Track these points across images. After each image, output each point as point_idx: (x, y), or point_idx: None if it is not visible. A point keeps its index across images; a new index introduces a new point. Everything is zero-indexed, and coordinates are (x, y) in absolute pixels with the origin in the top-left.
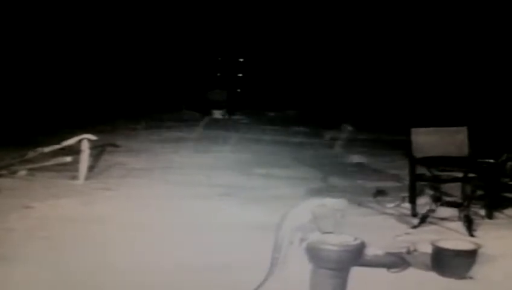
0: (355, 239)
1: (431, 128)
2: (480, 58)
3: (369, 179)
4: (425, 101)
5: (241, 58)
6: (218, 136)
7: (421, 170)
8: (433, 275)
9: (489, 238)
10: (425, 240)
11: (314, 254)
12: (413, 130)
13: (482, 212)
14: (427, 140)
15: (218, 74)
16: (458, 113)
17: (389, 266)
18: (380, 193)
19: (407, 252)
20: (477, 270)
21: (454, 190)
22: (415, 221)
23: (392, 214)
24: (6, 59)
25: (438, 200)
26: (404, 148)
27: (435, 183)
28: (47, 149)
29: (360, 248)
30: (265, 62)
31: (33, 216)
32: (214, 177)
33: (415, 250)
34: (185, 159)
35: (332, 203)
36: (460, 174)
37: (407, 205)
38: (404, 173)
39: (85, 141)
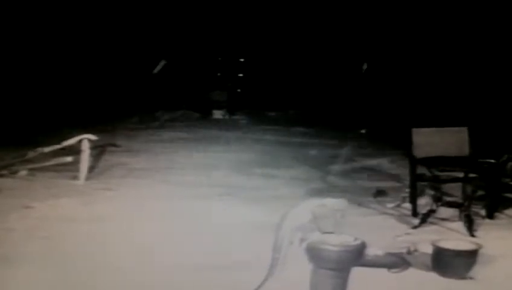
0: (356, 239)
1: (432, 129)
2: (481, 58)
3: (369, 179)
4: (426, 101)
5: (242, 58)
6: (219, 136)
7: (421, 170)
8: (433, 276)
9: (490, 238)
10: (425, 240)
11: (314, 254)
12: (414, 130)
13: (483, 212)
14: (428, 140)
15: (219, 74)
16: (459, 113)
17: (389, 266)
18: (380, 193)
19: (407, 253)
20: (477, 270)
21: (454, 190)
22: (416, 221)
23: (392, 214)
24: (6, 59)
25: (438, 200)
26: (405, 148)
27: (436, 183)
28: (47, 149)
29: (361, 248)
30: (266, 62)
31: (33, 216)
32: (214, 178)
33: (416, 250)
34: (185, 159)
35: (332, 203)
36: (461, 175)
37: (407, 205)
38: (405, 173)
39: (85, 141)
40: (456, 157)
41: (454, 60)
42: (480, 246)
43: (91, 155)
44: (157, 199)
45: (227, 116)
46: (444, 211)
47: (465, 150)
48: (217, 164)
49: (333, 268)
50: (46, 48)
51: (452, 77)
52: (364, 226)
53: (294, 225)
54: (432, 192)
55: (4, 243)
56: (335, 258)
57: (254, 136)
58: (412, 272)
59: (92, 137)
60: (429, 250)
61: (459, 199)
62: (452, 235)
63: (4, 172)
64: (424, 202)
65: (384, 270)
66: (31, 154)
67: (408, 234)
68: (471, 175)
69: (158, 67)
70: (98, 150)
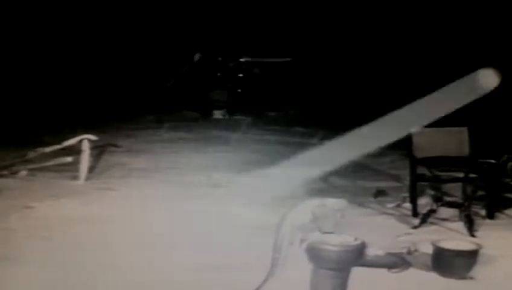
0: (356, 239)
1: (432, 129)
2: (481, 58)
3: (369, 179)
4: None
5: (242, 58)
6: (219, 136)
7: (421, 170)
8: (433, 276)
9: (490, 238)
10: (426, 240)
11: (314, 254)
12: (414, 130)
13: (483, 212)
14: (428, 140)
15: (219, 74)
16: (459, 113)
17: (389, 266)
18: (380, 193)
19: (407, 253)
20: (478, 270)
21: (455, 190)
22: (416, 221)
23: (392, 214)
24: (6, 59)
25: (438, 200)
26: (405, 148)
27: (436, 183)
28: (48, 149)
29: (361, 248)
30: (266, 62)
31: (33, 216)
32: (214, 178)
33: (416, 250)
34: (185, 159)
35: (332, 203)
36: (461, 175)
37: (407, 205)
38: (405, 173)
39: (86, 141)
40: (456, 157)
41: (454, 60)
42: (480, 246)
43: (91, 155)
44: (157, 199)
45: (227, 116)
46: (444, 211)
47: (465, 150)
48: (217, 164)
49: (333, 268)
50: (46, 48)
51: (453, 77)
52: (364, 226)
53: (295, 225)
54: (432, 192)
55: (4, 243)
56: (335, 258)
57: (254, 136)
58: (412, 272)
59: (92, 137)
60: (429, 250)
61: (459, 199)
62: (452, 235)
63: (4, 172)
64: (424, 202)
65: (384, 271)
66: (31, 154)
67: (408, 234)
68: (472, 175)
69: (196, 57)
70: (98, 150)
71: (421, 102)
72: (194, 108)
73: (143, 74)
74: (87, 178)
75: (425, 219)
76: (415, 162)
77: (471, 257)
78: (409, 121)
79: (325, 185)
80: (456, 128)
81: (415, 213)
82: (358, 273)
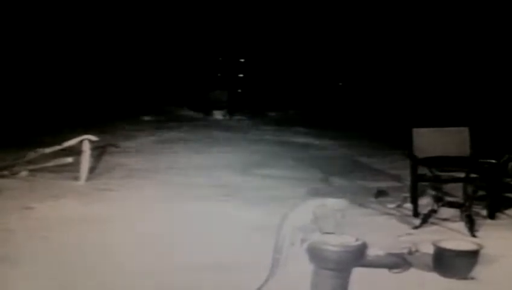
0: (357, 240)
1: (432, 129)
2: (482, 59)
3: (370, 179)
4: (427, 101)
5: (242, 58)
6: (219, 136)
7: (422, 170)
8: (434, 276)
9: (491, 238)
10: (426, 240)
11: (315, 254)
12: (415, 130)
13: (484, 212)
14: (429, 140)
15: (219, 74)
16: (460, 113)
17: (390, 266)
18: (381, 193)
19: (408, 253)
20: (478, 270)
21: (455, 190)
22: (417, 221)
23: (393, 215)
24: (7, 60)
25: (439, 200)
26: (406, 148)
27: (437, 183)
28: (48, 150)
29: (361, 248)
30: (266, 62)
31: (34, 217)
32: (215, 178)
33: (417, 250)
34: (185, 159)
35: (333, 203)
36: (462, 175)
37: (408, 205)
38: (406, 173)
39: (86, 141)
40: (457, 157)
41: (455, 60)
42: (481, 247)
43: (91, 156)
44: (157, 200)
45: (227, 117)
46: (445, 211)
47: (466, 150)
48: (217, 164)
49: (334, 268)
50: (47, 49)
51: (453, 77)
52: (365, 227)
53: (295, 226)
54: (433, 192)
55: (5, 243)
56: (336, 258)
57: (254, 137)
58: (413, 273)
59: (93, 138)
60: (430, 250)
61: (460, 199)
62: (453, 235)
63: (5, 173)
64: (425, 202)
65: (385, 271)
66: (31, 155)
67: (409, 234)
68: (472, 175)
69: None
70: (99, 151)
71: None
72: (194, 108)
73: (143, 74)
74: (88, 179)
75: (426, 219)
76: (415, 162)
77: (472, 257)
78: None
79: (326, 186)
80: (457, 128)
81: (415, 213)
82: (359, 274)
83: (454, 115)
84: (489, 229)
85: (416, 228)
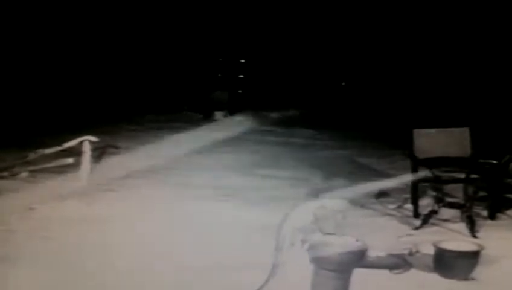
0: (357, 240)
1: (433, 129)
2: (483, 59)
3: (371, 180)
4: (428, 102)
5: (243, 59)
6: (220, 137)
7: (423, 170)
8: (435, 277)
9: (492, 239)
10: (427, 241)
11: (315, 255)
12: (415, 131)
13: (485, 213)
14: (429, 141)
15: (220, 75)
16: (460, 114)
17: (391, 267)
18: (382, 194)
19: (409, 254)
20: (479, 271)
21: (456, 191)
22: (417, 222)
23: (394, 215)
24: (7, 60)
25: (440, 201)
26: (406, 148)
27: (437, 184)
28: (48, 151)
29: (362, 249)
30: (267, 63)
31: (34, 217)
32: (216, 179)
33: (417, 251)
34: (186, 160)
35: (333, 204)
36: (462, 175)
37: (409, 206)
38: (406, 173)
39: (86, 142)
40: (458, 158)
41: (456, 61)
42: (482, 247)
43: (92, 156)
44: (158, 200)
45: (228, 117)
46: (446, 212)
47: (467, 151)
48: (218, 164)
49: (335, 269)
50: (47, 50)
51: (453, 77)
52: (365, 227)
53: (296, 226)
54: (434, 193)
55: (6, 243)
56: (336, 259)
57: (255, 137)
58: (413, 273)
59: (93, 138)
60: (431, 251)
61: (460, 200)
62: (454, 236)
63: (5, 174)
64: (426, 203)
65: (385, 272)
66: (32, 156)
67: (410, 235)
68: (473, 176)
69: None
70: (99, 152)
71: None
72: (195, 109)
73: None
74: (88, 179)
75: (426, 219)
76: (416, 163)
77: (472, 257)
78: None
79: (327, 186)
80: (458, 129)
81: (416, 214)
82: (359, 275)
83: (454, 116)
84: (490, 230)
85: (416, 228)
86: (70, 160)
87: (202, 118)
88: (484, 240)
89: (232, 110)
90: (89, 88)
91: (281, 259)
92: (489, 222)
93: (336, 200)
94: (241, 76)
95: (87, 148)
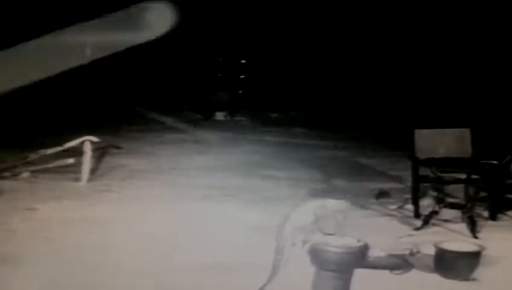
0: (358, 241)
1: (434, 130)
2: (484, 59)
3: (371, 180)
4: (428, 102)
5: (243, 59)
6: (220, 137)
7: (424, 171)
8: (436, 277)
9: (493, 239)
10: (428, 241)
11: (316, 255)
12: (417, 132)
13: (486, 213)
14: (430, 141)
15: (220, 75)
16: (461, 115)
17: (391, 267)
18: (382, 194)
19: (410, 254)
20: (480, 272)
21: (457, 192)
22: (418, 223)
23: (394, 216)
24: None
25: (441, 201)
26: (407, 149)
27: (438, 184)
28: (49, 151)
29: (363, 249)
30: (268, 63)
31: (35, 218)
32: (216, 179)
33: (418, 252)
34: (186, 160)
35: (334, 204)
36: (463, 176)
37: (410, 206)
38: (407, 174)
39: (87, 142)
40: (459, 158)
41: (456, 61)
42: (483, 248)
43: (93, 157)
44: (158, 201)
45: (228, 118)
46: (447, 213)
47: (468, 151)
48: (218, 165)
49: (335, 270)
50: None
51: (454, 78)
52: (366, 228)
53: (297, 227)
54: (435, 193)
55: (7, 244)
56: (337, 259)
57: (255, 137)
58: (414, 274)
59: (94, 139)
60: (432, 251)
61: (461, 201)
62: (455, 236)
63: (6, 174)
64: (427, 204)
65: (386, 272)
66: (33, 156)
67: (410, 235)
68: (474, 176)
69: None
70: (100, 152)
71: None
72: (195, 109)
73: (145, 75)
74: (89, 180)
75: (427, 220)
76: (417, 163)
77: (473, 258)
78: None
79: (327, 186)
80: (459, 130)
81: (417, 214)
82: (360, 275)
83: (455, 116)
84: (491, 231)
85: (417, 229)
86: (71, 160)
87: (203, 118)
88: (485, 240)
89: (232, 110)
90: (90, 88)
91: (282, 259)
92: (490, 222)
93: (337, 200)
94: (242, 76)
95: (88, 149)
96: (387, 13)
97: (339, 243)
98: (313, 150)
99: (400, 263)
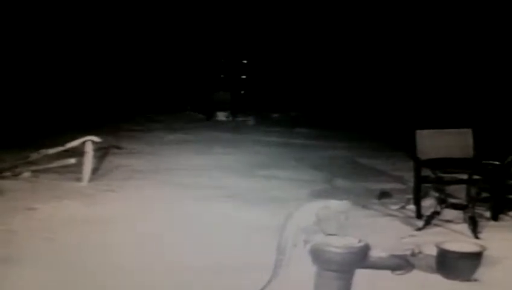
0: (360, 241)
1: (436, 130)
2: (485, 60)
3: (373, 180)
4: (430, 103)
5: (245, 60)
6: (222, 137)
7: (425, 171)
8: (437, 278)
9: (494, 240)
10: (430, 242)
11: (318, 256)
12: (418, 132)
13: (487, 214)
14: (432, 142)
15: (222, 76)
16: (463, 115)
17: (393, 268)
18: (384, 194)
19: (411, 254)
20: (482, 272)
21: (459, 192)
22: (420, 223)
23: (396, 216)
24: (9, 61)
25: (442, 202)
26: (409, 149)
27: (440, 185)
28: (51, 151)
29: (364, 250)
30: (269, 64)
31: (37, 218)
32: (217, 179)
33: (420, 252)
34: (188, 160)
35: (336, 205)
36: (465, 176)
37: (411, 207)
38: (409, 174)
39: (89, 142)
40: (460, 159)
41: (458, 62)
42: (484, 248)
43: (94, 157)
44: (160, 201)
45: (230, 118)
46: (448, 213)
47: (470, 152)
48: (220, 165)
49: (337, 270)
50: (49, 50)
51: (455, 78)
52: (368, 228)
53: (298, 227)
54: (436, 194)
55: (8, 244)
56: (339, 260)
57: (257, 138)
58: (416, 274)
59: (96, 139)
60: (433, 252)
61: (463, 201)
62: (456, 237)
63: (7, 174)
64: (428, 204)
65: (388, 272)
66: (34, 156)
67: (412, 236)
68: (476, 177)
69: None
70: (102, 152)
71: None
72: (197, 109)
73: (145, 75)
74: (91, 180)
75: (429, 220)
76: (419, 164)
77: (475, 258)
78: None
79: (329, 187)
80: (460, 130)
81: (419, 215)
82: (361, 275)
83: (457, 117)
84: (493, 231)
85: (419, 229)
86: (72, 160)
87: (204, 119)
88: (487, 241)
89: (234, 110)
90: (91, 88)
91: (284, 260)
92: (492, 223)
93: (339, 201)
94: (244, 77)
95: (89, 149)
96: (388, 14)
97: (340, 244)
98: (314, 150)
99: (402, 264)
